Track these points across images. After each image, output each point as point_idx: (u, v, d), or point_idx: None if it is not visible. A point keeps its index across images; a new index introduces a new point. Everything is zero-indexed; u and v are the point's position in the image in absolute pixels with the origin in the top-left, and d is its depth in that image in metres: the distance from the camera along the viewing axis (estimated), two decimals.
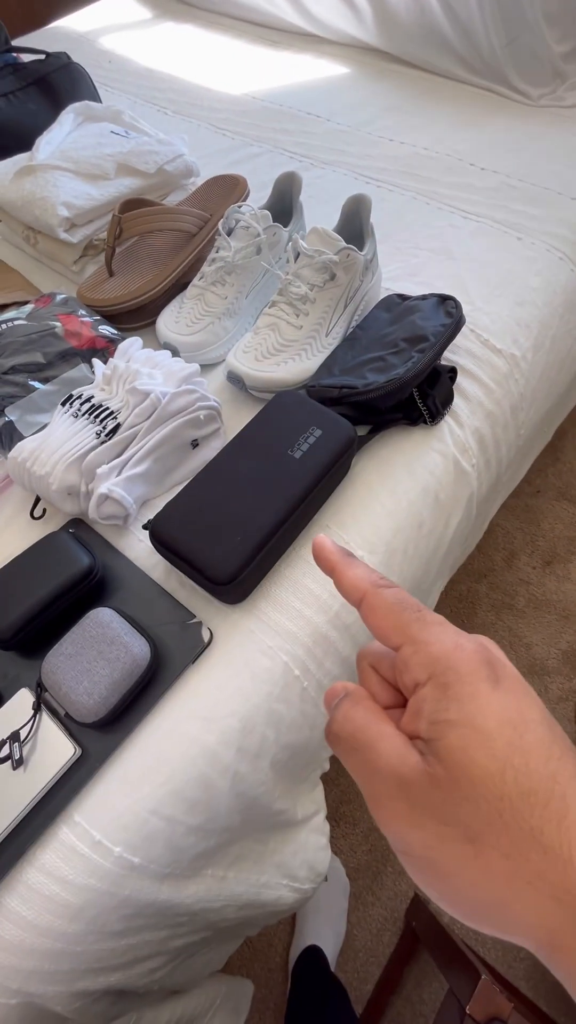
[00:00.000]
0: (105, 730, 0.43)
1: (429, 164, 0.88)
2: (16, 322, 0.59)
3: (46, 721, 0.43)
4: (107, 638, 0.44)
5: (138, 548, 0.54)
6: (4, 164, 0.74)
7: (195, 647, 0.47)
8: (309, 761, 0.59)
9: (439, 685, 0.18)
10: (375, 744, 0.19)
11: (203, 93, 1.06)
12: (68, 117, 0.79)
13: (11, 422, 0.56)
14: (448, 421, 0.62)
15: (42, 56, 0.84)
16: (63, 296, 0.63)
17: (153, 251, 0.68)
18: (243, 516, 0.48)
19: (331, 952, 0.88)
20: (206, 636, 0.48)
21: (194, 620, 0.48)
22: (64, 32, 1.24)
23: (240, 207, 0.63)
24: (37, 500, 0.56)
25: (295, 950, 0.89)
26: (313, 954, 0.87)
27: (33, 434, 0.57)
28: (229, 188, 0.71)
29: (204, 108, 1.02)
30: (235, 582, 0.46)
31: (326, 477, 0.51)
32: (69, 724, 0.43)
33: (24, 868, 0.41)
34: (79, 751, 0.42)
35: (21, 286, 0.72)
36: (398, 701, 0.21)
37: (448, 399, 0.60)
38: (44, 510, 0.57)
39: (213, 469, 0.51)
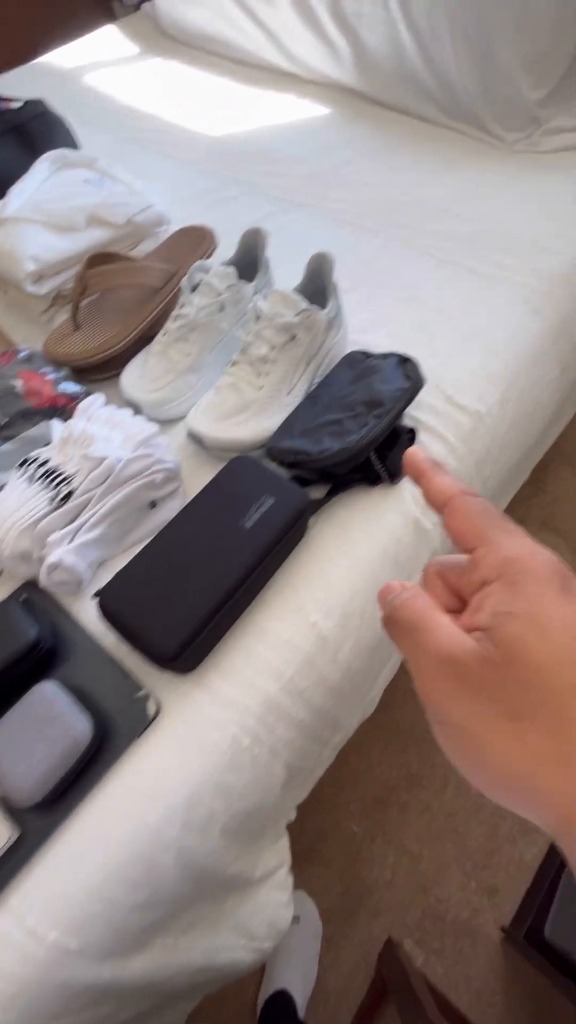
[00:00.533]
0: (44, 811, 0.43)
1: (405, 209, 0.89)
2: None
3: None
4: (48, 717, 0.44)
5: (92, 613, 0.54)
6: None
7: (140, 722, 0.47)
8: (267, 820, 0.58)
9: (508, 583, 0.19)
10: (431, 626, 0.19)
11: (184, 133, 1.07)
12: (43, 166, 0.79)
13: None
14: (406, 482, 0.62)
15: (20, 103, 0.85)
16: (26, 352, 0.63)
17: (119, 303, 0.69)
18: (190, 590, 0.48)
19: (301, 997, 0.88)
20: (152, 710, 0.48)
21: (141, 693, 0.48)
22: (49, 68, 1.25)
23: (205, 263, 0.64)
24: None
25: (263, 994, 0.89)
26: (282, 999, 0.86)
27: None
28: (197, 241, 0.72)
29: (185, 148, 1.03)
30: (179, 659, 0.46)
31: (277, 546, 0.51)
32: (6, 805, 0.43)
33: None
34: (17, 833, 0.42)
35: None
36: (460, 608, 0.21)
37: None
38: (0, 570, 0.57)
39: (163, 539, 0.51)
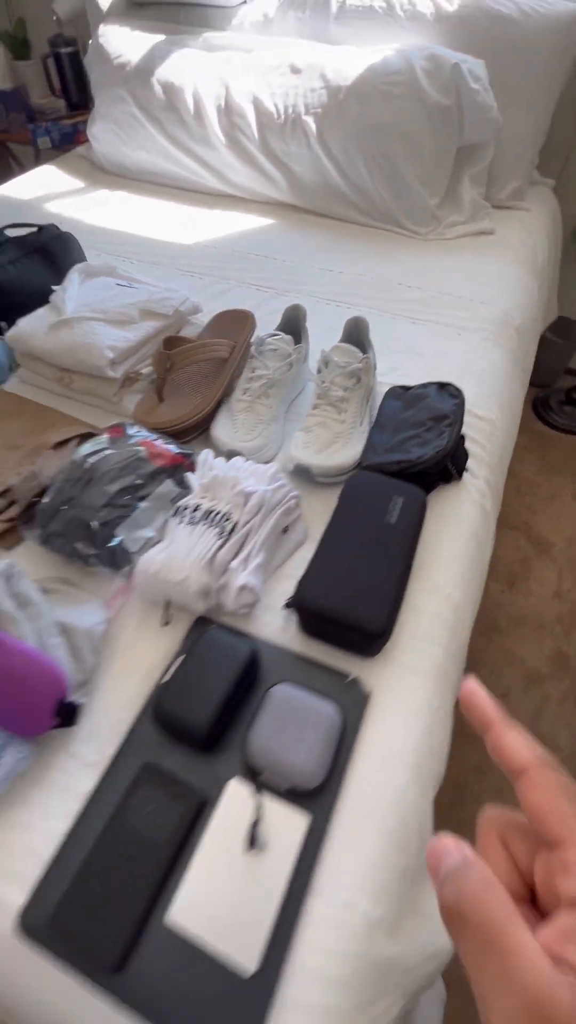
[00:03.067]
0: (321, 792, 0.47)
1: (368, 286, 1.12)
2: (104, 452, 0.65)
3: (268, 802, 0.46)
4: (300, 708, 0.49)
5: (267, 630, 0.60)
6: (31, 320, 0.82)
7: (360, 701, 0.53)
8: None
9: None
10: (511, 952, 0.15)
11: (159, 245, 1.24)
12: (74, 276, 0.89)
13: (121, 541, 0.61)
14: (467, 476, 0.77)
15: (35, 228, 0.95)
16: (135, 426, 0.71)
17: (190, 377, 0.79)
18: (370, 576, 0.57)
19: None
20: (366, 689, 0.54)
21: (351, 677, 0.55)
22: (10, 200, 1.37)
23: (270, 335, 0.78)
24: (166, 607, 0.60)
25: None
26: None
27: (140, 549, 0.62)
28: (240, 320, 0.86)
29: (166, 256, 1.19)
30: (386, 633, 0.54)
31: (419, 532, 0.62)
32: (293, 795, 0.46)
33: (295, 951, 0.42)
34: (309, 818, 0.46)
35: (66, 421, 0.78)
36: (524, 893, 0.18)
37: (466, 458, 0.76)
38: (167, 622, 0.60)
39: (328, 544, 0.60)
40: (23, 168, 2.25)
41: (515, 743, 0.19)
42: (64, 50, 1.81)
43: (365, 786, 0.50)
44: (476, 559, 0.72)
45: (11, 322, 0.86)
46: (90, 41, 1.48)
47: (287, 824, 0.45)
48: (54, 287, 0.88)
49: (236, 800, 0.46)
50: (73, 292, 0.86)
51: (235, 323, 0.86)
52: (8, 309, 0.88)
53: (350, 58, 1.21)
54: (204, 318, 0.92)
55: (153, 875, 0.43)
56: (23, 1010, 0.44)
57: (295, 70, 1.25)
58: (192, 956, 0.40)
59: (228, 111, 1.29)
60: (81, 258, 0.99)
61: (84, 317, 0.80)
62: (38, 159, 1.82)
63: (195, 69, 1.31)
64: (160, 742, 0.50)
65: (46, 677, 0.48)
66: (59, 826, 0.47)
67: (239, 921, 0.42)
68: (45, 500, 0.63)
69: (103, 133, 1.44)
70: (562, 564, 1.50)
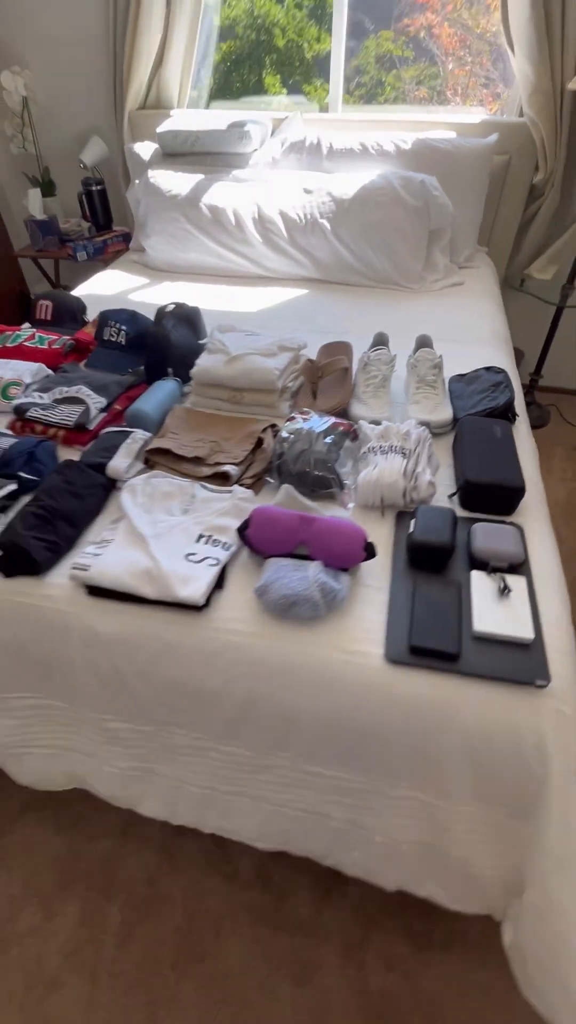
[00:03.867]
0: (521, 567, 0.81)
1: (397, 325, 1.57)
2: (301, 428, 1.00)
3: (501, 576, 0.80)
4: (496, 530, 0.84)
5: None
6: (206, 360, 1.18)
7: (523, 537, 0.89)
8: None
9: None
10: None
11: (230, 314, 1.65)
12: (217, 333, 1.27)
13: (338, 475, 0.95)
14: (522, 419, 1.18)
15: (174, 305, 1.33)
16: (308, 412, 1.06)
17: (329, 383, 1.17)
18: (501, 463, 0.94)
19: None
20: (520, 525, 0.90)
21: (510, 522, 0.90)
22: (100, 295, 1.75)
23: (374, 350, 1.18)
24: (382, 505, 0.93)
25: None
26: None
27: (348, 477, 0.96)
28: (342, 347, 1.26)
29: (239, 321, 1.60)
30: (523, 490, 0.91)
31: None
32: (509, 570, 0.80)
33: (544, 631, 0.74)
34: (524, 578, 0.79)
35: (252, 420, 1.12)
36: None
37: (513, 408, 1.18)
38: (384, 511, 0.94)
39: (469, 454, 0.97)
40: (53, 279, 2.66)
41: None
42: (94, 188, 2.29)
43: (541, 565, 0.84)
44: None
45: (175, 367, 1.22)
46: (136, 181, 1.96)
47: (515, 583, 0.78)
48: (201, 341, 1.25)
49: (480, 580, 0.79)
50: (227, 341, 1.23)
51: (339, 349, 1.26)
52: (171, 359, 1.23)
53: (346, 181, 1.74)
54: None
55: (455, 614, 0.74)
56: (389, 730, 0.72)
57: (307, 191, 1.76)
58: (494, 644, 0.72)
59: (261, 220, 1.77)
60: (203, 323, 1.38)
61: (247, 353, 1.17)
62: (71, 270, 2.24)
63: (231, 194, 1.80)
64: (412, 569, 0.82)
65: (353, 530, 0.80)
66: (377, 616, 0.78)
67: (511, 621, 0.74)
68: (282, 458, 0.97)
69: (159, 244, 1.88)
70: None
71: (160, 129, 1.92)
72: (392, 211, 1.69)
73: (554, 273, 2.08)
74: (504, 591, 0.77)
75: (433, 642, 0.72)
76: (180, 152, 1.95)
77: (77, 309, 1.54)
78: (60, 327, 1.50)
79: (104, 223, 2.39)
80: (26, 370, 1.23)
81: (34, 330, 1.39)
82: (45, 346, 1.34)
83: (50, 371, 1.27)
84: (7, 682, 0.90)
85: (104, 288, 1.82)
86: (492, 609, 0.75)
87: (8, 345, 1.34)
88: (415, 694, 0.71)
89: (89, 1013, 1.00)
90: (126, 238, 2.40)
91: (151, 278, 1.90)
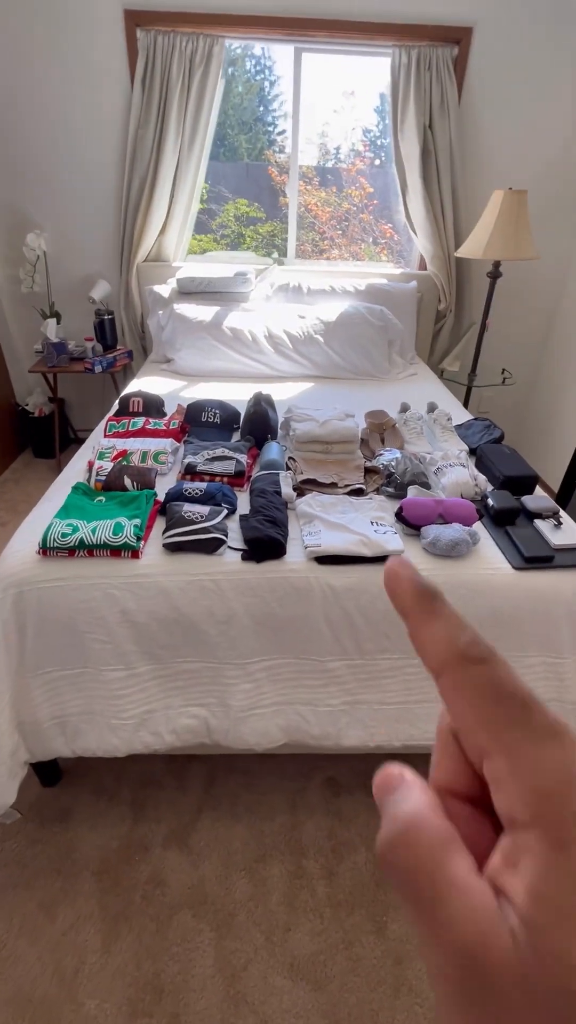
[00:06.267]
0: None
1: (387, 402, 2.22)
2: (396, 458, 1.53)
3: None
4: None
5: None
6: (303, 426, 1.68)
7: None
8: None
9: (551, 842, 0.12)
10: (443, 896, 0.12)
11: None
12: (287, 411, 1.79)
13: (427, 480, 1.48)
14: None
15: (260, 394, 1.83)
16: (391, 450, 1.60)
17: (388, 434, 1.73)
18: (514, 464, 1.55)
19: None
20: None
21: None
22: (144, 395, 2.18)
23: (404, 414, 1.79)
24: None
25: None
26: None
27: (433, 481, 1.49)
28: (381, 412, 1.85)
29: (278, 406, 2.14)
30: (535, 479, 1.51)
31: None
32: None
33: None
34: None
35: (353, 460, 1.62)
36: (480, 794, 0.15)
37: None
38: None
39: (498, 468, 1.56)
40: (57, 394, 3.00)
41: (433, 636, 0.15)
42: (105, 317, 2.78)
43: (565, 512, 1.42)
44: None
45: (260, 438, 1.71)
46: (160, 312, 2.51)
47: (563, 519, 1.35)
48: (281, 416, 1.76)
49: (540, 524, 1.34)
50: (307, 414, 1.75)
51: (379, 414, 1.85)
52: (269, 428, 1.71)
53: (327, 310, 2.47)
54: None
55: (540, 539, 1.28)
56: (521, 613, 1.20)
57: (301, 316, 2.45)
58: (565, 551, 1.26)
59: (271, 337, 2.40)
60: (272, 405, 1.89)
61: (330, 419, 1.70)
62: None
63: (244, 319, 2.42)
64: (497, 525, 1.36)
65: (467, 503, 1.32)
66: (493, 551, 1.28)
67: (568, 537, 1.29)
68: (397, 476, 1.47)
69: (188, 356, 2.41)
70: None
71: (179, 276, 2.54)
72: (364, 329, 2.43)
73: (459, 366, 2.97)
74: (558, 524, 1.33)
75: (538, 552, 1.23)
76: (194, 291, 2.56)
77: (159, 403, 1.96)
78: (148, 416, 1.91)
79: (111, 343, 2.87)
80: (163, 444, 1.62)
81: (145, 418, 1.79)
82: (163, 427, 1.74)
83: (179, 444, 1.67)
84: (250, 648, 1.21)
85: (149, 388, 2.26)
86: (555, 534, 1.30)
87: (132, 429, 1.72)
88: (534, 584, 1.21)
89: (327, 938, 1.21)
90: (129, 354, 2.90)
91: (186, 380, 2.38)
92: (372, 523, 1.30)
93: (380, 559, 1.20)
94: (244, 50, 2.63)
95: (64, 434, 3.12)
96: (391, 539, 1.23)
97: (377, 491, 1.48)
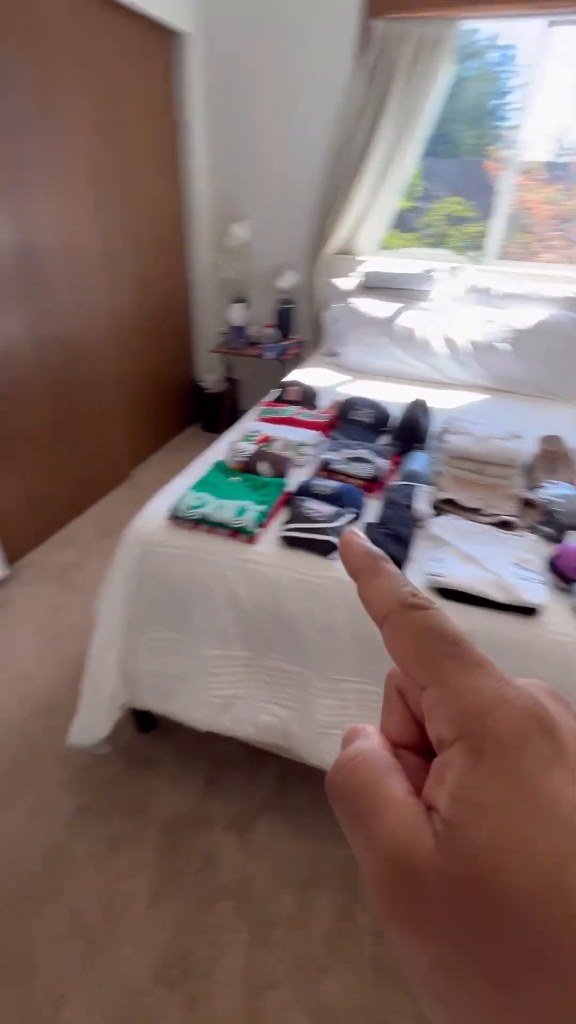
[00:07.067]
0: None
1: (566, 429, 1.90)
2: (561, 493, 1.29)
3: None
4: None
5: None
6: (459, 440, 1.52)
7: None
8: None
9: (471, 751, 0.13)
10: (379, 811, 0.14)
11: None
12: (457, 423, 1.62)
13: None
14: None
15: (418, 399, 1.71)
16: (555, 483, 1.36)
17: (563, 465, 1.48)
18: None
19: None
20: None
21: None
22: (301, 385, 2.19)
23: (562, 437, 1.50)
24: None
25: None
26: None
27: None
28: (556, 437, 1.58)
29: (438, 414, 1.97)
30: None
31: None
32: None
33: None
34: None
35: (506, 487, 1.42)
36: (425, 743, 0.17)
37: None
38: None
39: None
40: (235, 374, 3.22)
41: (377, 588, 0.17)
42: (286, 306, 2.87)
43: None
44: None
45: (407, 445, 1.56)
46: (334, 305, 2.49)
47: None
48: (439, 425, 1.60)
49: None
50: (466, 427, 1.58)
51: (556, 440, 1.58)
52: (419, 436, 1.58)
53: (524, 317, 2.20)
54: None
55: None
56: None
57: (489, 321, 2.22)
58: None
59: (449, 340, 2.22)
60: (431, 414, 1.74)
61: (491, 437, 1.50)
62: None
63: (420, 319, 2.28)
64: None
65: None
66: None
67: None
68: (559, 515, 1.24)
69: (355, 351, 2.36)
70: None
71: (367, 269, 2.49)
72: (565, 342, 2.11)
73: None
74: None
75: None
76: (377, 286, 2.49)
77: (314, 395, 1.95)
78: (302, 406, 1.90)
79: (288, 332, 2.95)
80: (308, 436, 1.59)
81: (297, 407, 1.79)
82: (311, 419, 1.72)
83: (324, 438, 1.63)
84: (345, 665, 1.13)
85: (311, 379, 2.27)
86: None
87: (281, 416, 1.73)
88: None
89: (358, 1000, 1.09)
90: (299, 344, 2.95)
91: (349, 376, 2.34)
92: (516, 564, 1.11)
93: (514, 609, 1.02)
94: (489, 41, 2.43)
95: (232, 413, 3.33)
96: (533, 588, 1.03)
97: (532, 529, 1.26)
